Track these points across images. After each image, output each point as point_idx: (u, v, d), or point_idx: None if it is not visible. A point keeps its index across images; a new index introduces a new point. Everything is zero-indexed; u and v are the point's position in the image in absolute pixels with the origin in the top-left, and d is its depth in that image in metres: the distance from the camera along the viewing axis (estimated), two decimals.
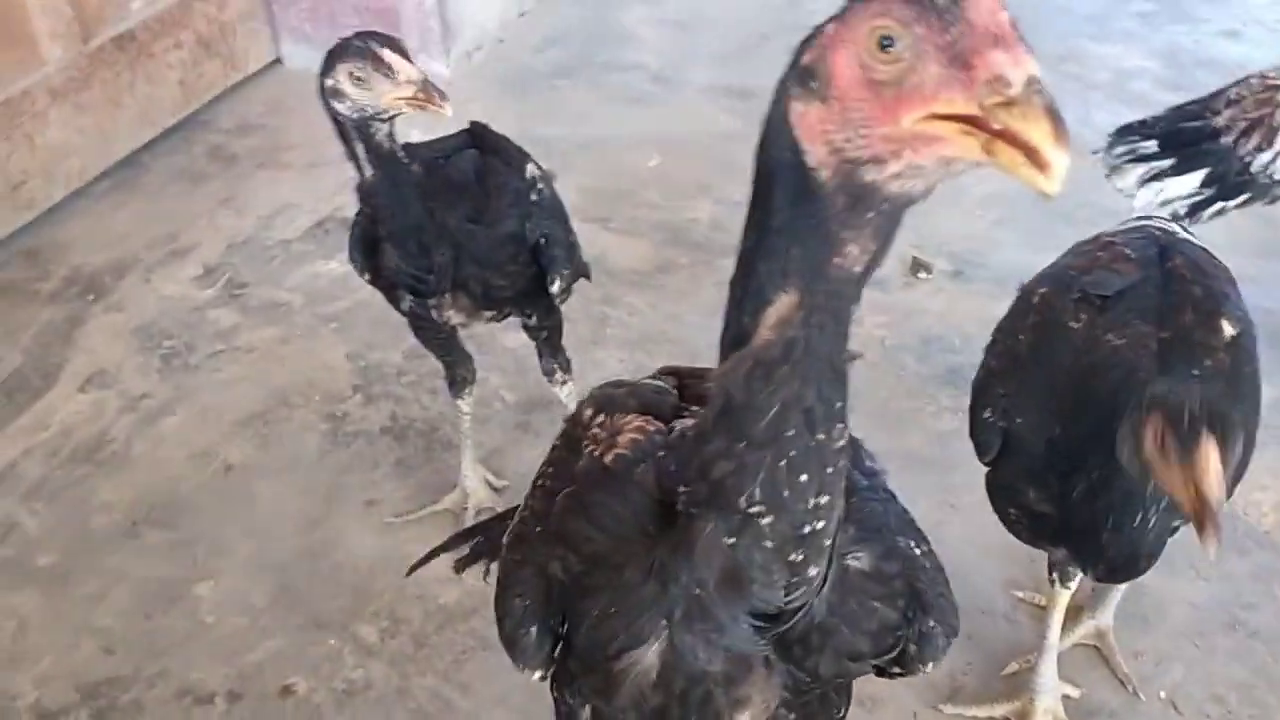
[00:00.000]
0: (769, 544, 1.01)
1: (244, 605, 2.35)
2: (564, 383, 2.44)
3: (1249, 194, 2.34)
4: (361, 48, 1.83)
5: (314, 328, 3.06)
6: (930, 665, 1.26)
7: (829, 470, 0.99)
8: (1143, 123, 2.45)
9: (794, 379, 0.96)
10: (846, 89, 0.87)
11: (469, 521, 2.47)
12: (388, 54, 1.84)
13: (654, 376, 1.40)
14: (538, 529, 1.25)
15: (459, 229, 2.03)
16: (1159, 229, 1.97)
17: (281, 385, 2.88)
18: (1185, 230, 2.02)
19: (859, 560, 1.16)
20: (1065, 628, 2.10)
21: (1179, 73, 3.81)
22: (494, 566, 2.30)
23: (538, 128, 3.77)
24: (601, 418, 1.29)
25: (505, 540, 1.36)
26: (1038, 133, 0.80)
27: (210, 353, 2.98)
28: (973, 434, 1.87)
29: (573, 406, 2.32)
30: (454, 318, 2.16)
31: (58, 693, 2.21)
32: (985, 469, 1.90)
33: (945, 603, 1.24)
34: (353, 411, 2.80)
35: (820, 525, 1.02)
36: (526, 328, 2.33)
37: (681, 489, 1.05)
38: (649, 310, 3.04)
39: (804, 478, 0.98)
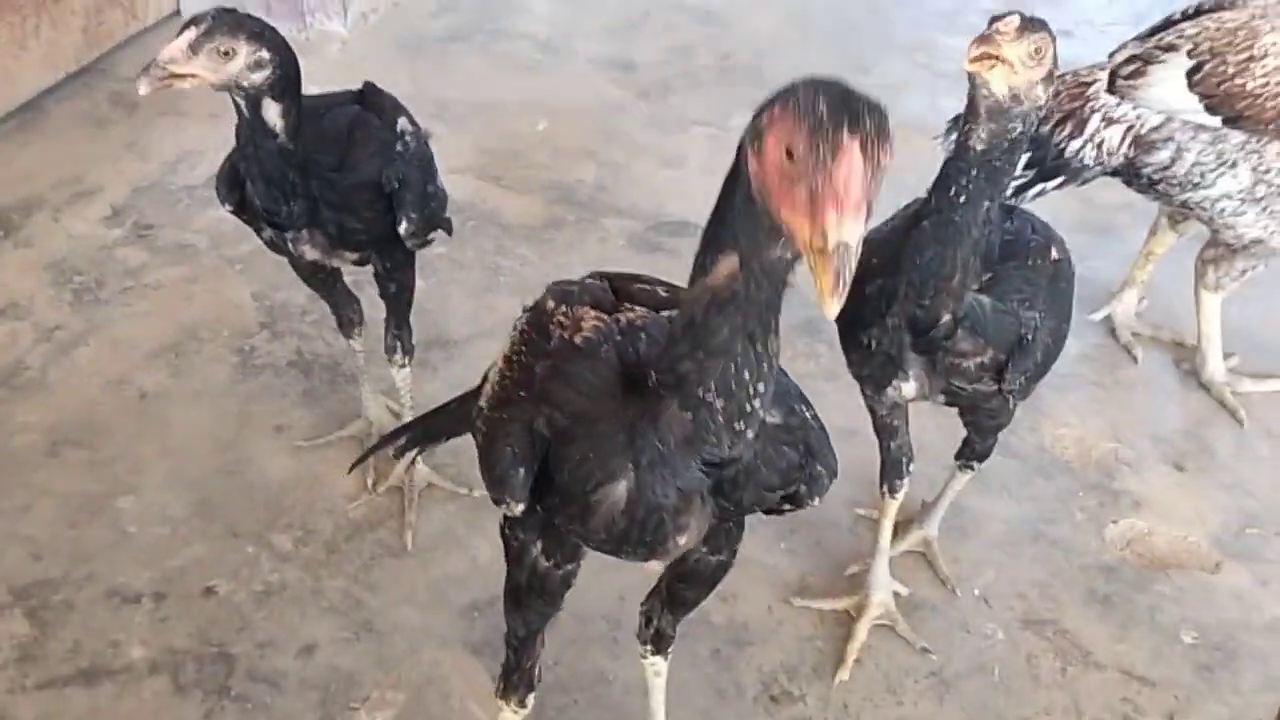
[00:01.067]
0: (720, 419, 1.37)
1: (164, 517, 2.55)
2: (402, 365, 2.60)
3: (1064, 177, 2.69)
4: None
5: (220, 269, 3.24)
6: (817, 500, 1.64)
7: (764, 368, 1.34)
8: None
9: (738, 314, 1.29)
10: (768, 163, 1.17)
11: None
12: (180, 34, 1.99)
13: (590, 278, 1.70)
14: (521, 393, 1.57)
15: (318, 182, 2.20)
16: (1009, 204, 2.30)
17: (190, 321, 3.06)
18: None
19: (773, 417, 1.52)
20: (897, 537, 2.45)
21: None
22: (399, 468, 2.58)
23: (432, 90, 3.99)
24: (563, 308, 1.63)
25: (485, 405, 1.67)
26: (822, 283, 1.12)
27: (120, 289, 3.14)
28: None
29: (408, 395, 2.58)
30: (309, 253, 2.32)
31: None
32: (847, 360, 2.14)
33: (828, 452, 1.61)
34: (260, 346, 3.00)
35: (757, 404, 1.37)
36: (378, 276, 2.46)
37: (653, 374, 1.40)
38: (539, 261, 3.30)
39: (747, 375, 1.33)
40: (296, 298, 3.13)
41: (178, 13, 4.24)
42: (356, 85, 2.47)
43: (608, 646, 2.34)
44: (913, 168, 3.65)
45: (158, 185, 3.51)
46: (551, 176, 3.66)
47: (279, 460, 2.69)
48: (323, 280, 2.51)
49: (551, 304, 1.64)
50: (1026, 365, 2.00)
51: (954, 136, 2.80)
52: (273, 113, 2.09)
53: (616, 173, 3.67)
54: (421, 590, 2.43)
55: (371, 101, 2.42)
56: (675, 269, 3.24)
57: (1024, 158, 2.68)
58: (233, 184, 2.27)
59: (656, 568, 1.89)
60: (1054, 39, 1.85)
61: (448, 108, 3.91)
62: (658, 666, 2.08)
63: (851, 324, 2.05)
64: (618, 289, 1.67)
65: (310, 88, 2.36)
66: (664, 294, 1.68)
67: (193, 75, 2.00)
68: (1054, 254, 2.07)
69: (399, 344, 2.57)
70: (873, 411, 2.21)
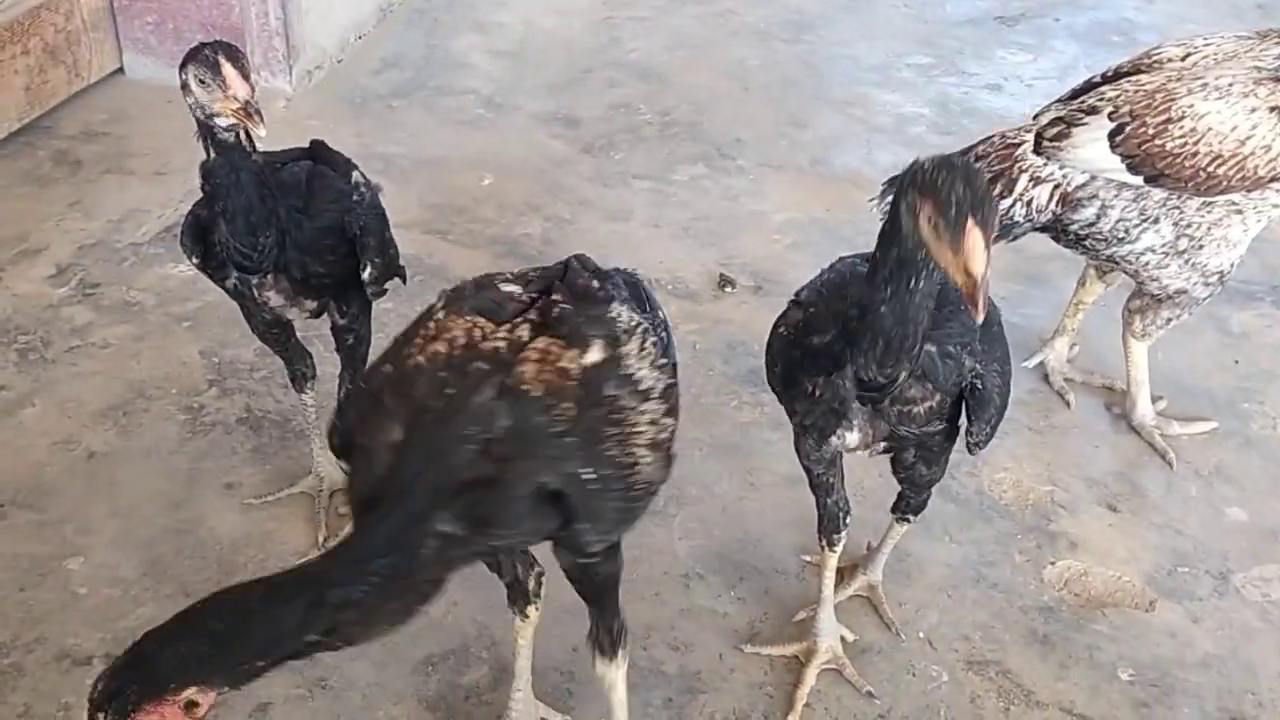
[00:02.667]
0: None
1: (114, 578, 2.55)
2: None
3: (995, 233, 2.80)
4: (209, 57, 2.13)
5: (167, 326, 3.24)
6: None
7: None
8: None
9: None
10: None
11: (324, 503, 2.72)
12: (226, 68, 2.12)
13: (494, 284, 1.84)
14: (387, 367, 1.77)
15: (287, 217, 2.29)
16: None
17: (138, 379, 3.06)
18: None
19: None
20: (842, 583, 2.51)
21: (949, 119, 4.36)
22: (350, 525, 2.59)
23: (377, 145, 4.04)
24: (441, 314, 1.77)
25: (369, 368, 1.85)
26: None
27: (66, 348, 3.14)
28: (771, 351, 2.20)
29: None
30: (273, 299, 2.38)
31: None
32: (788, 412, 2.19)
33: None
34: (209, 404, 3.00)
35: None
36: (336, 329, 2.53)
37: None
38: None
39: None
40: (245, 354, 3.14)
41: (120, 70, 4.27)
42: (303, 142, 2.54)
43: (561, 698, 2.37)
44: (849, 220, 3.81)
45: (103, 243, 3.51)
46: (498, 231, 3.71)
47: (230, 518, 2.70)
48: (277, 335, 2.54)
49: (439, 303, 1.79)
50: (989, 414, 2.06)
51: (889, 200, 2.92)
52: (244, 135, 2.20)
53: (562, 227, 3.73)
54: (375, 646, 2.42)
55: (323, 156, 2.49)
56: None
57: None
58: (197, 235, 2.33)
59: None
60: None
61: (393, 163, 3.96)
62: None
63: (793, 373, 2.12)
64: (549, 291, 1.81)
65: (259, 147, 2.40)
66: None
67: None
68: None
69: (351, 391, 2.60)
70: (809, 470, 2.27)
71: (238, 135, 2.19)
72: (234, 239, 2.24)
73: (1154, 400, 3.02)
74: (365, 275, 2.37)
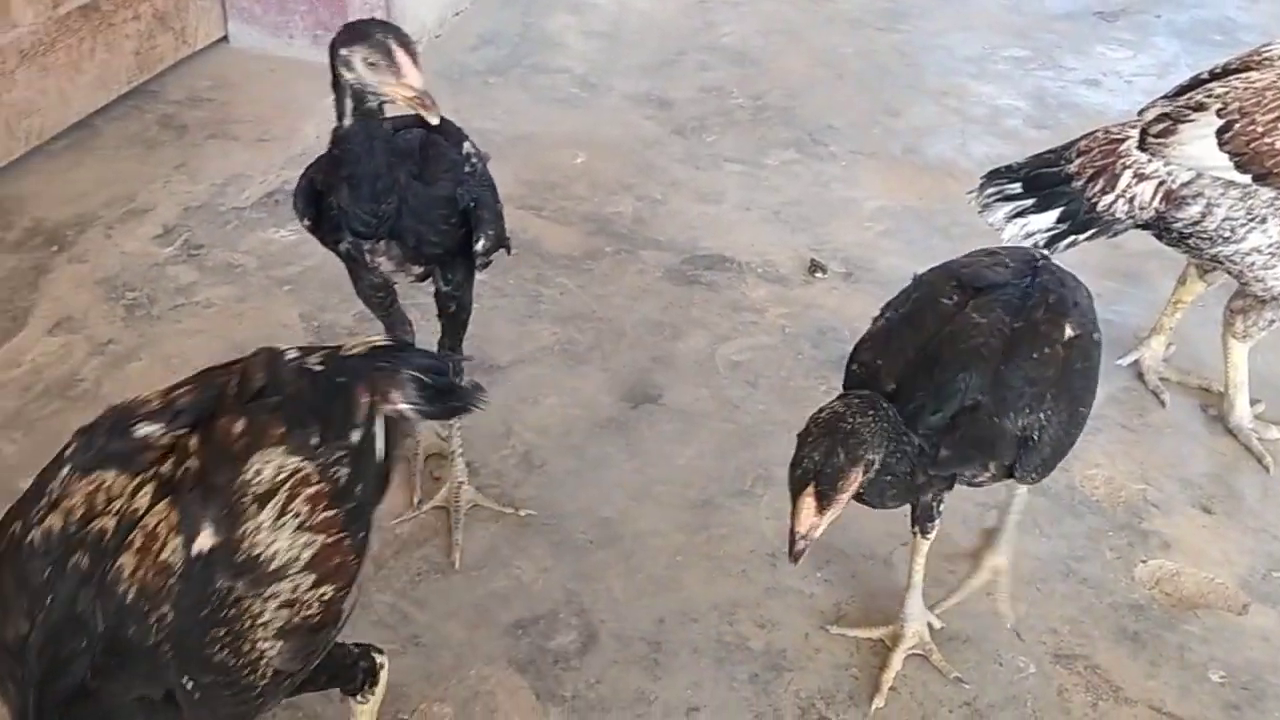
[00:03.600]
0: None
1: None
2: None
3: (1095, 229, 2.74)
4: (381, 41, 2.12)
5: (268, 289, 3.32)
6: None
7: None
8: (1009, 167, 2.83)
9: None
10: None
11: (418, 466, 2.77)
12: (400, 55, 2.13)
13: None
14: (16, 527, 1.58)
15: (406, 184, 2.31)
16: (1040, 254, 2.36)
17: (240, 340, 3.12)
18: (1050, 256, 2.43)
19: None
20: (972, 572, 2.56)
21: (1045, 113, 4.31)
22: (444, 489, 2.64)
23: (473, 120, 4.05)
24: (67, 470, 1.59)
25: None
26: None
27: (171, 306, 3.22)
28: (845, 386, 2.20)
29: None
30: (384, 264, 2.41)
31: None
32: None
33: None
34: None
35: None
36: (439, 295, 2.54)
37: None
38: (578, 290, 3.38)
39: None
40: (343, 319, 3.21)
41: (225, 38, 4.35)
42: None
43: (648, 668, 2.40)
44: (943, 209, 3.79)
45: (207, 206, 3.60)
46: (590, 208, 3.74)
47: None
48: (381, 299, 2.59)
49: (68, 451, 1.61)
50: (1034, 462, 2.11)
51: (988, 191, 2.91)
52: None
53: (654, 207, 3.75)
54: (468, 607, 2.49)
55: (437, 126, 2.50)
56: (712, 300, 3.35)
57: (1057, 211, 2.76)
58: (310, 199, 2.36)
59: None
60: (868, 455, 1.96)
61: (488, 139, 3.97)
62: None
63: None
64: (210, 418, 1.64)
65: None
66: None
67: None
68: (1068, 332, 2.13)
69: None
70: None
71: (380, 105, 2.21)
72: (356, 205, 2.27)
73: (1252, 403, 2.98)
74: (479, 246, 2.39)
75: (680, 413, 3.01)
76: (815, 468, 1.88)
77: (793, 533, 1.89)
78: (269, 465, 1.60)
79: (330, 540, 1.66)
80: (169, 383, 2.94)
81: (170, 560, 1.50)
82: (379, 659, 1.99)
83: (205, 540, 1.53)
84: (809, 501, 1.88)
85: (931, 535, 2.36)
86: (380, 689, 2.01)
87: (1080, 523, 2.73)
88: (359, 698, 1.99)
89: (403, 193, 2.30)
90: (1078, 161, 2.75)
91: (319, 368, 1.78)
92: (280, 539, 1.58)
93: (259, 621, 1.56)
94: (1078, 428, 2.20)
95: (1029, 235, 2.78)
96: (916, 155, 4.10)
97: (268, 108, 4.05)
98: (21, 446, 2.77)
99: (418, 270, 2.48)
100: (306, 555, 1.61)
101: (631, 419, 2.99)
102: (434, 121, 2.20)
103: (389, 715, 2.27)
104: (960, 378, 2.02)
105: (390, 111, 2.41)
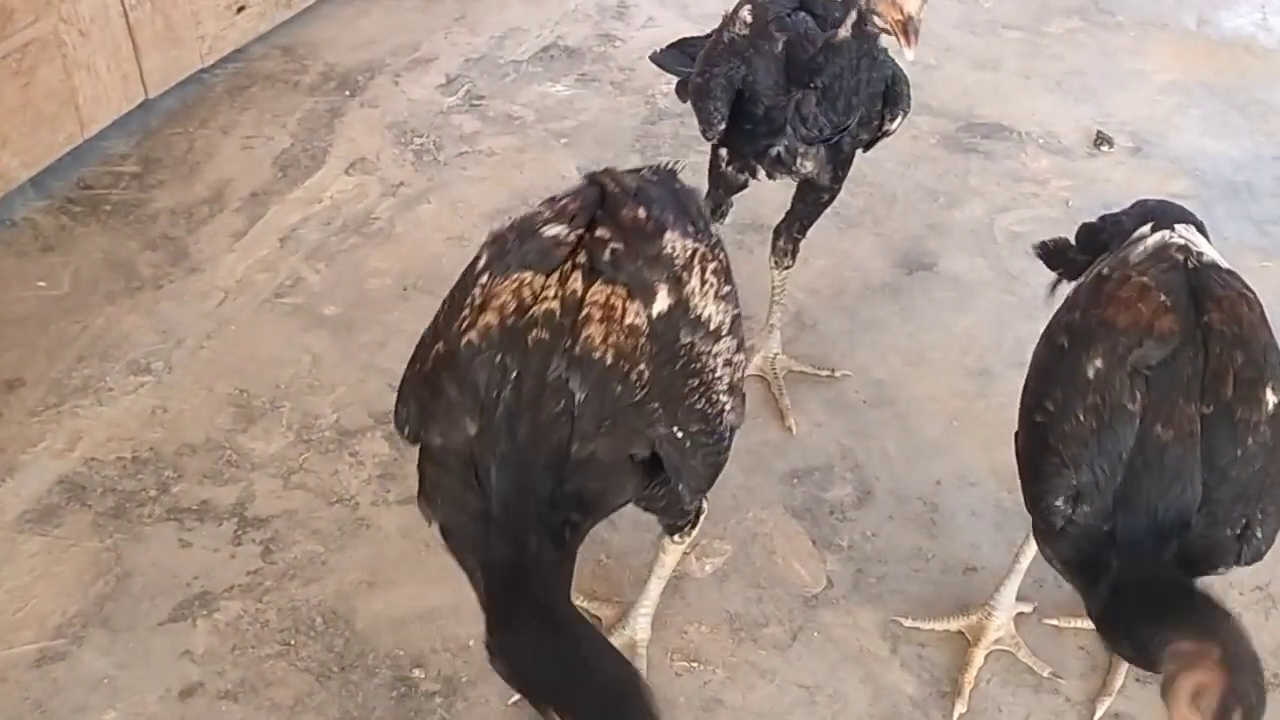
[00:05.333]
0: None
1: None
2: (788, 267, 2.62)
3: None
4: None
5: (546, 141, 3.39)
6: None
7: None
8: None
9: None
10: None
11: None
12: None
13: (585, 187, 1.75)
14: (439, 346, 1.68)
15: (860, 89, 2.20)
16: (1179, 250, 1.88)
17: (521, 188, 3.22)
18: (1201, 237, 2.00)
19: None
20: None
21: None
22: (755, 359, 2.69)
23: None
24: (486, 277, 1.65)
25: None
26: None
27: (456, 153, 3.34)
28: (1040, 513, 1.81)
29: (783, 294, 2.64)
30: (808, 166, 2.33)
31: (354, 417, 2.62)
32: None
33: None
34: None
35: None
36: (814, 189, 2.44)
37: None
38: None
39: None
40: None
41: None
42: None
43: (925, 526, 2.41)
44: (1241, 87, 3.56)
45: (486, 58, 3.68)
46: None
47: None
48: (736, 192, 2.53)
49: (481, 262, 1.68)
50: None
51: None
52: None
53: (928, 73, 3.64)
54: (743, 453, 2.54)
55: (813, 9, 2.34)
56: (990, 169, 3.25)
57: None
58: (730, 100, 2.26)
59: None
60: None
61: None
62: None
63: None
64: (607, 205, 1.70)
65: None
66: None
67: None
68: (1270, 401, 1.71)
69: (793, 248, 2.59)
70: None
71: (880, 32, 2.12)
72: (827, 115, 2.20)
73: None
74: (893, 126, 2.34)
75: (956, 281, 2.96)
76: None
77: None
78: (676, 243, 1.68)
79: (736, 312, 1.77)
80: (457, 225, 3.11)
81: (636, 323, 1.59)
82: (704, 504, 2.03)
83: (662, 301, 1.62)
84: None
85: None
86: (695, 534, 2.07)
87: None
88: (676, 537, 2.05)
89: (862, 98, 2.22)
90: None
91: (654, 178, 1.86)
92: (708, 304, 1.67)
93: (715, 375, 1.67)
94: None
95: None
96: (1211, 28, 3.85)
97: None
98: (324, 277, 2.95)
99: (819, 169, 2.37)
100: (728, 321, 1.72)
101: (905, 284, 2.96)
102: (909, 56, 2.05)
103: None
104: None
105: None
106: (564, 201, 1.73)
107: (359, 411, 2.62)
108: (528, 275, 1.61)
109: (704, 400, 1.65)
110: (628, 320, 1.58)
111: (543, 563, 1.57)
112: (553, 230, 1.66)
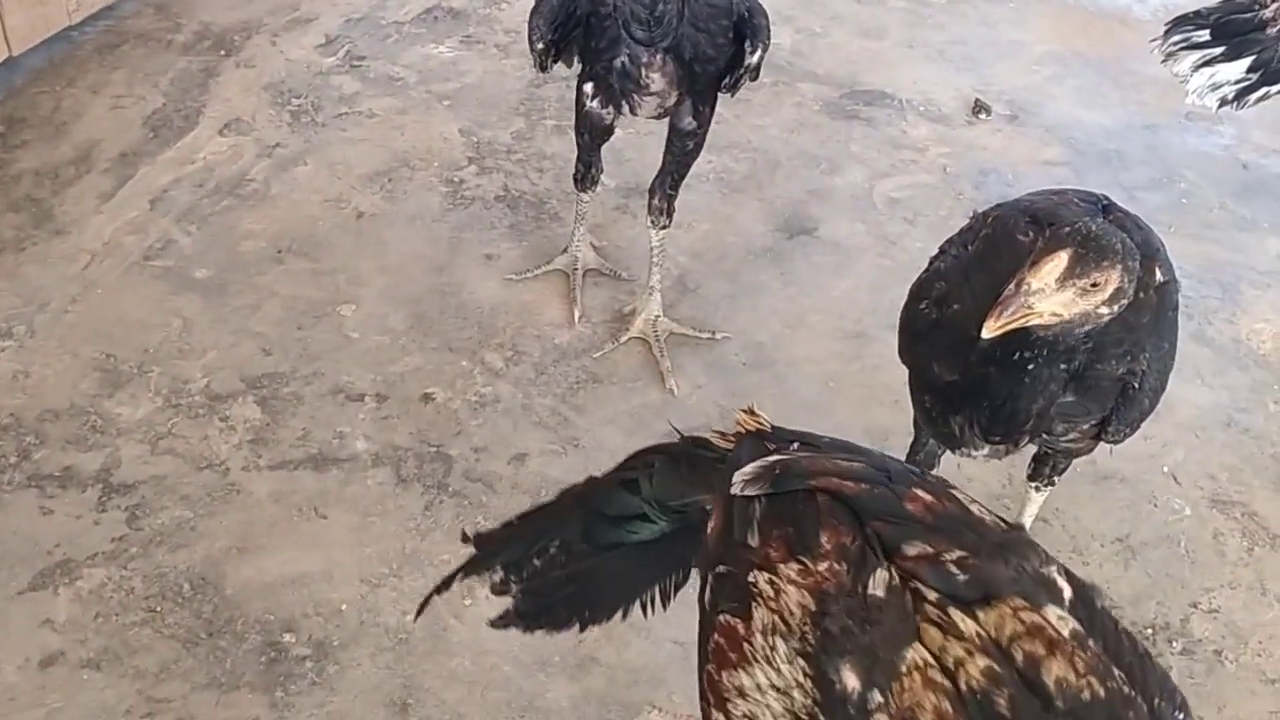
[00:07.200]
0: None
1: (383, 327, 2.70)
2: (664, 227, 2.64)
3: None
4: None
5: (428, 103, 3.34)
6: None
7: None
8: (1196, 13, 2.68)
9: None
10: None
11: (578, 282, 2.80)
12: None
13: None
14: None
15: None
16: (1105, 197, 2.01)
17: (402, 150, 3.17)
18: None
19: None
20: None
21: None
22: (638, 322, 2.68)
23: None
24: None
25: None
26: None
27: (335, 114, 3.27)
28: (906, 324, 2.03)
29: (660, 255, 2.65)
30: (656, 82, 2.34)
31: (225, 381, 2.56)
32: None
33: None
34: (468, 179, 3.11)
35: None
36: (679, 134, 2.49)
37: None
38: (735, 121, 3.33)
39: None
40: (502, 136, 3.22)
41: None
42: None
43: None
44: (1114, 59, 3.65)
45: (368, 19, 3.61)
46: None
47: (489, 285, 2.81)
48: (601, 138, 2.55)
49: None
50: (1132, 416, 1.90)
51: (1173, 39, 2.75)
52: None
53: (813, 40, 3.67)
54: (624, 415, 2.55)
55: None
56: (871, 135, 3.29)
57: (1247, 60, 2.63)
58: (554, 22, 2.32)
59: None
60: (1129, 262, 1.63)
61: None
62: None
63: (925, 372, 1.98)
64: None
65: None
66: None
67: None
68: (1158, 277, 1.88)
69: (667, 205, 2.61)
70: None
71: None
72: (636, 3, 2.21)
73: None
74: (753, 59, 2.34)
75: (836, 245, 3.00)
76: (1088, 232, 1.61)
77: (1021, 282, 1.59)
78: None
79: None
80: (335, 187, 3.04)
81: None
82: None
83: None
84: (1062, 258, 1.58)
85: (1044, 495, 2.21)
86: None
87: (1244, 375, 2.68)
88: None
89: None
90: (1273, 7, 2.62)
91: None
92: None
93: None
94: (1167, 373, 1.93)
95: (1216, 86, 2.68)
96: (1089, 0, 3.93)
97: None
98: (196, 239, 2.87)
99: (673, 97, 2.39)
100: None
101: (786, 249, 2.98)
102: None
103: None
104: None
105: None
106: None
107: (230, 376, 2.57)
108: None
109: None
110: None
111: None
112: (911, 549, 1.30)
